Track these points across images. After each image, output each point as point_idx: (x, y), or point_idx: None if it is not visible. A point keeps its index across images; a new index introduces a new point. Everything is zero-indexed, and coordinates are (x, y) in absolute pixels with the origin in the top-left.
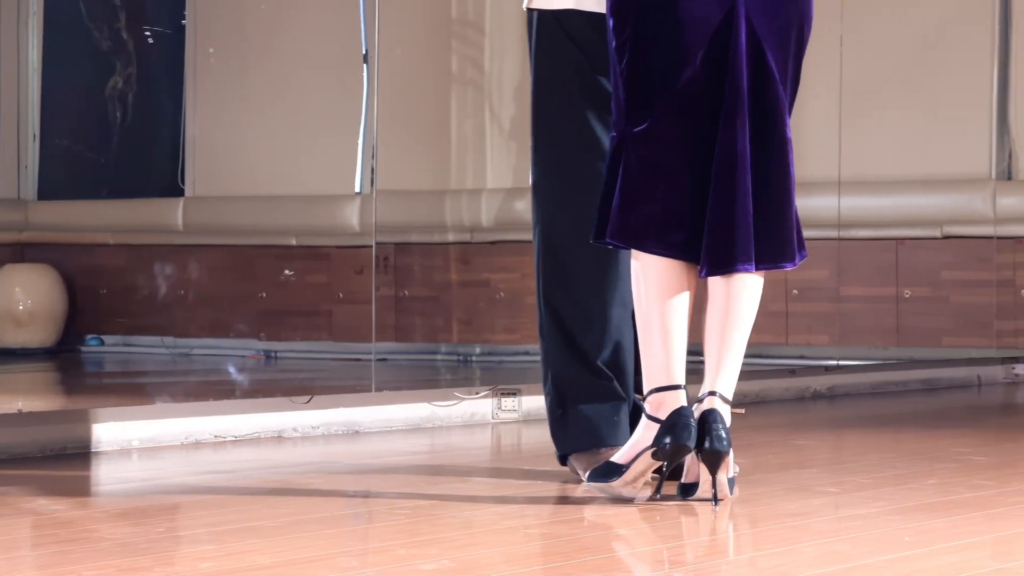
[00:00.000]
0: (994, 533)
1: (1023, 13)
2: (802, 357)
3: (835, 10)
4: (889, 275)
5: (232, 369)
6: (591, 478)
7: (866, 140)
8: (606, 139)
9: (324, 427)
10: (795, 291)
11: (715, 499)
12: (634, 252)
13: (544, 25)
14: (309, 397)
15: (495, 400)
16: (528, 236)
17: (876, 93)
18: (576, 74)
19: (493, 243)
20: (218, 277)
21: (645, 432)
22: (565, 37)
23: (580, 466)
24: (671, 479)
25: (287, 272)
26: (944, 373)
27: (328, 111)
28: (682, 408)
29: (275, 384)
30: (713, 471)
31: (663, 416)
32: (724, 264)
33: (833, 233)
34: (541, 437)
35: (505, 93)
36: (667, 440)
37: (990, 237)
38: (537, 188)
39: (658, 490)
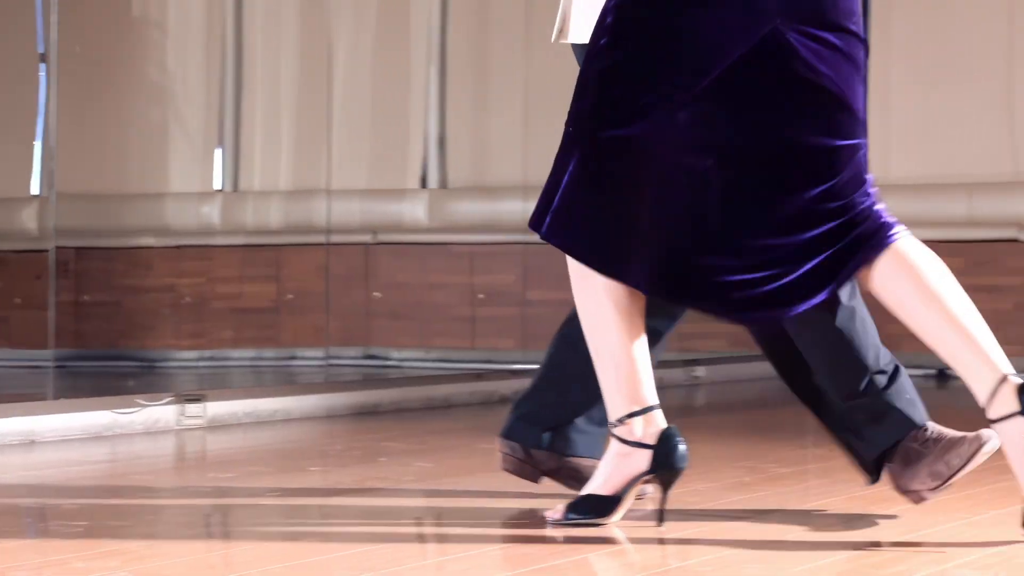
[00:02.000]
0: (681, 533)
1: None
2: (488, 361)
3: (520, 15)
4: None
5: None
6: (576, 513)
7: (552, 145)
8: None
9: None
10: (481, 295)
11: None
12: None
13: None
14: None
15: (179, 406)
16: (217, 241)
17: (562, 100)
18: None
19: (179, 247)
20: None
21: (626, 459)
22: None
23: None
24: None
25: None
26: None
27: (3, 112)
28: (671, 428)
29: None
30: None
31: (648, 440)
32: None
33: (519, 238)
34: (227, 443)
35: (190, 94)
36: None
37: None
38: None
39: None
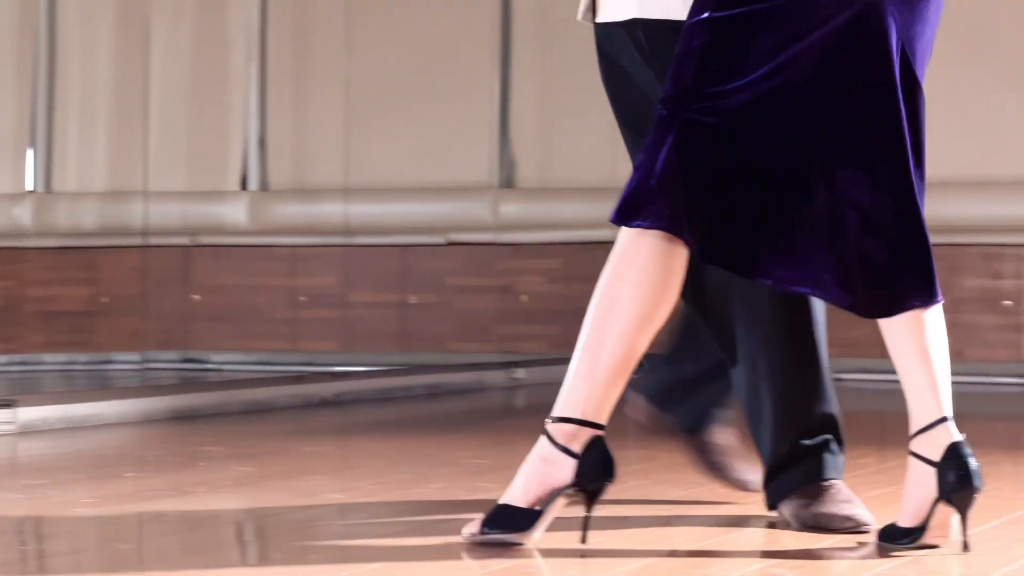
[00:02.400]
0: None
1: (523, 22)
2: (309, 364)
3: (340, 16)
4: (395, 281)
5: None
6: (493, 527)
7: (372, 147)
8: None
9: None
10: (302, 298)
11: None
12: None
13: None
14: None
15: None
16: (29, 243)
17: (383, 102)
18: None
19: None
20: None
21: (549, 466)
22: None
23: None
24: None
25: None
26: (448, 378)
27: None
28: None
29: None
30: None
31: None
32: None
33: (340, 240)
34: (40, 449)
35: (0, 91)
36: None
37: (492, 244)
38: None
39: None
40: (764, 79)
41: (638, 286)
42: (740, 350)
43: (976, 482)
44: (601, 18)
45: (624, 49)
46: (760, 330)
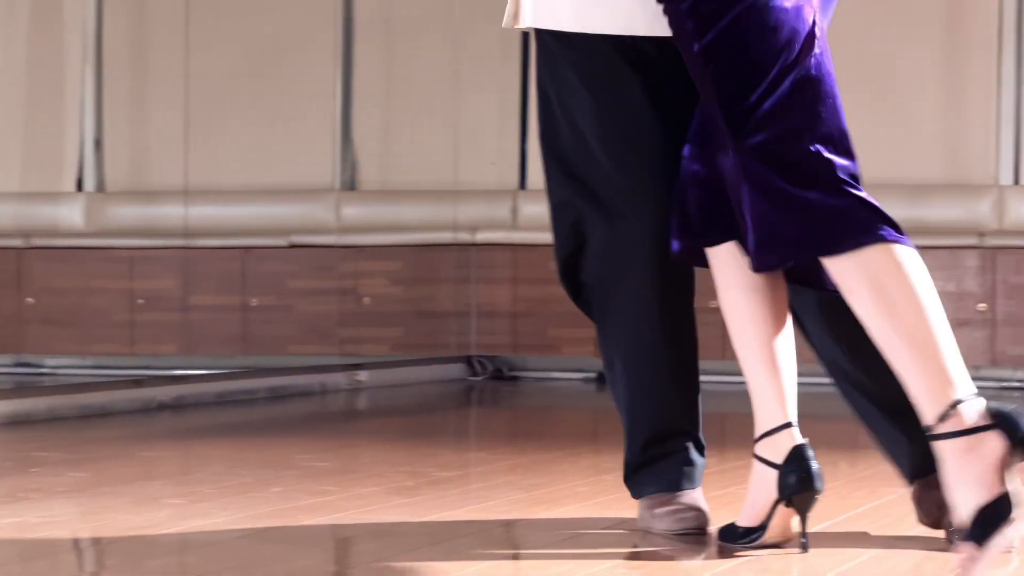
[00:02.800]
0: (337, 536)
1: (364, 25)
2: (148, 367)
3: (180, 15)
4: (236, 284)
5: None
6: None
7: (213, 149)
8: None
9: None
10: (141, 300)
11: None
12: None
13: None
14: None
15: None
16: None
17: (223, 102)
18: None
19: None
20: None
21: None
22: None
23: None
24: None
25: None
26: (290, 381)
27: None
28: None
29: None
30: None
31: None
32: None
33: (180, 242)
34: None
35: None
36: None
37: (334, 246)
38: None
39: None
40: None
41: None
42: (610, 349)
43: (817, 484)
44: (521, 24)
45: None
46: (622, 331)
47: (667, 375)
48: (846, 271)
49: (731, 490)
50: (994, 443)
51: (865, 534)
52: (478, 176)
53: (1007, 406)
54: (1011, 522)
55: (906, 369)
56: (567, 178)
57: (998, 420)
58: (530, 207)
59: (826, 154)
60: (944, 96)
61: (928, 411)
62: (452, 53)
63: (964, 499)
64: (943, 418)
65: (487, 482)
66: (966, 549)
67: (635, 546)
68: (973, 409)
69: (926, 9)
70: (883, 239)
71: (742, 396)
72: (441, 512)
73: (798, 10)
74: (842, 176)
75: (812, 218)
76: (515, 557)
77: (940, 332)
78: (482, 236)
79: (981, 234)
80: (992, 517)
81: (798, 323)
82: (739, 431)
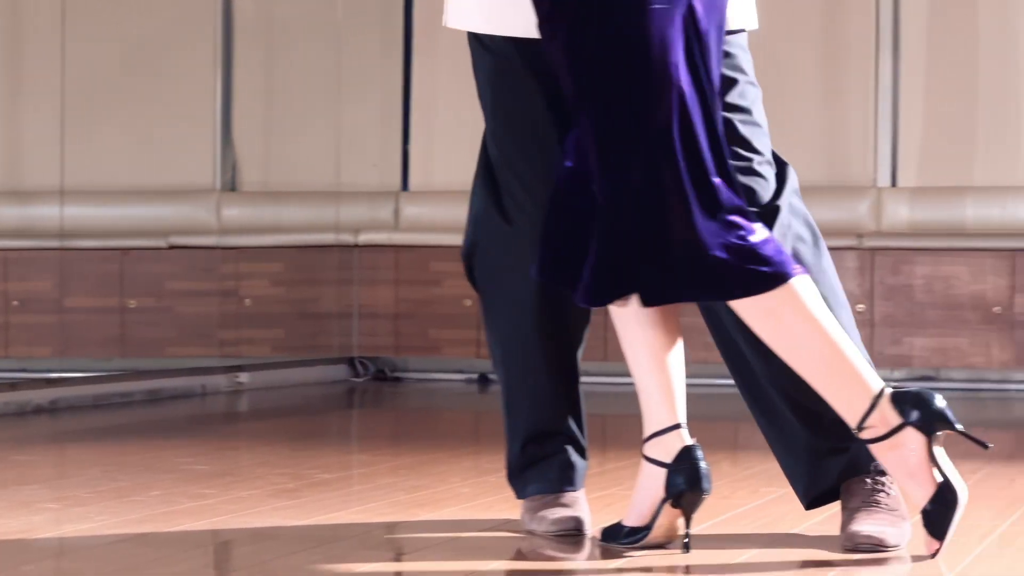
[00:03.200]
0: (217, 540)
1: (245, 25)
2: (23, 370)
3: (56, 15)
4: (114, 286)
5: None
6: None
7: (90, 149)
8: None
9: None
10: (16, 302)
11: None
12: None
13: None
14: None
15: None
16: None
17: (101, 101)
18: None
19: None
20: None
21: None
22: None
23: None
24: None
25: None
26: (169, 383)
27: None
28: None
29: None
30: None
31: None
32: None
33: (55, 243)
34: None
35: None
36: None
37: (215, 248)
38: None
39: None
40: None
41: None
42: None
43: (705, 485)
44: (447, 23)
45: None
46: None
47: (544, 371)
48: (742, 307)
49: (612, 491)
50: (912, 438)
51: (746, 533)
52: (360, 177)
53: (909, 394)
54: (957, 509)
55: (821, 388)
56: (482, 168)
57: (905, 417)
58: (412, 208)
59: (713, 186)
60: (822, 98)
61: (851, 422)
62: (334, 53)
63: (913, 493)
64: (860, 428)
65: (369, 484)
66: (930, 544)
67: (518, 547)
68: (888, 409)
69: (804, 11)
70: (775, 281)
71: (624, 397)
72: (322, 515)
73: (663, 44)
74: (728, 213)
75: (704, 268)
76: (397, 559)
77: (844, 347)
78: (364, 237)
79: (859, 235)
80: (937, 516)
81: (712, 321)
82: (621, 433)
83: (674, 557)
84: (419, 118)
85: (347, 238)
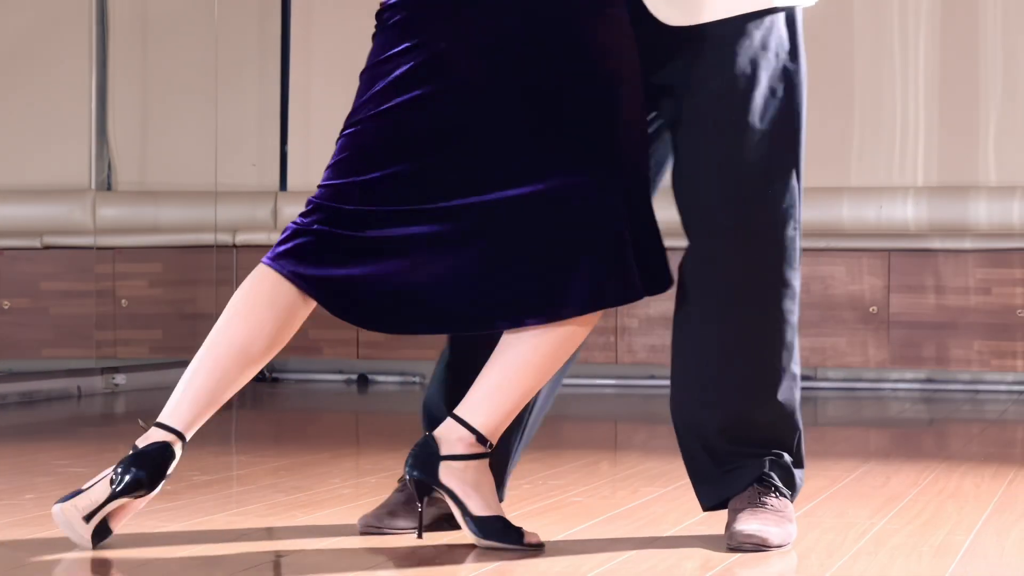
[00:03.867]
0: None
1: (120, 22)
2: None
3: None
4: None
5: None
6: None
7: None
8: None
9: None
10: None
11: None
12: None
13: None
14: None
15: None
16: None
17: None
18: None
19: None
20: None
21: None
22: None
23: None
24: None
25: None
26: (43, 385)
27: None
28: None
29: None
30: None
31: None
32: None
33: None
34: None
35: None
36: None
37: (90, 248)
38: None
39: None
40: None
41: None
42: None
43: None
44: None
45: None
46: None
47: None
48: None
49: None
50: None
51: (626, 534)
52: (238, 177)
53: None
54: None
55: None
56: None
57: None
58: (291, 208)
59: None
60: None
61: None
62: (211, 52)
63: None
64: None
65: (248, 486)
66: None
67: (398, 547)
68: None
69: None
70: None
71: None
72: (200, 517)
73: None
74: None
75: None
76: (276, 563)
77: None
78: (243, 238)
79: None
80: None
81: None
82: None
83: (555, 558)
84: (297, 118)
85: (225, 238)
